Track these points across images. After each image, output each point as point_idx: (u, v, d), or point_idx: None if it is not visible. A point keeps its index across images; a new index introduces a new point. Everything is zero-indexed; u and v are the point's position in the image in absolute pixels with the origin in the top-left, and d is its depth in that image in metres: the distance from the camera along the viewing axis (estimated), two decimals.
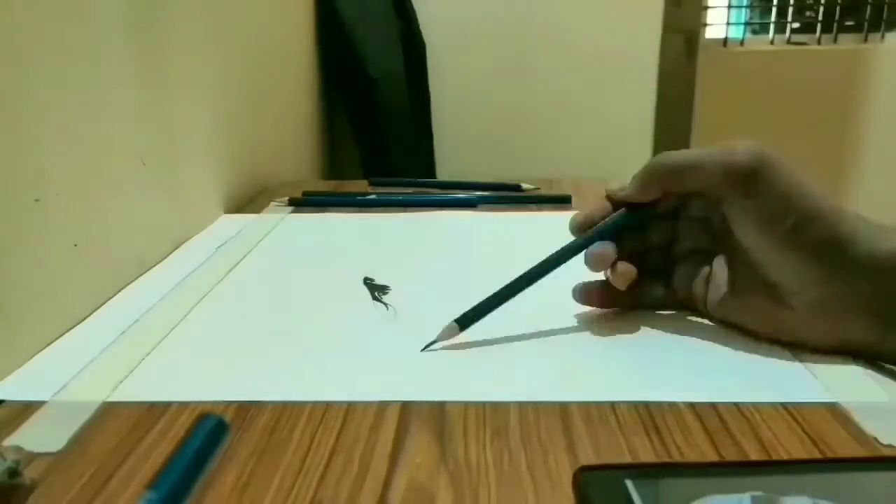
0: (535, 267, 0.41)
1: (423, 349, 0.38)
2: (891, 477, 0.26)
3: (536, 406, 0.33)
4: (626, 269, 0.40)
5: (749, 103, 1.85)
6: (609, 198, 0.41)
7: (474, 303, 0.40)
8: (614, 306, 0.43)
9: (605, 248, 0.40)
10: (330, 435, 0.31)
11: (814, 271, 0.35)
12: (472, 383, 0.35)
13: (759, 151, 0.36)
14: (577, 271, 0.42)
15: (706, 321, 0.42)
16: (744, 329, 0.39)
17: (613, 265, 0.40)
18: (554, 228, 0.50)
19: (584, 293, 0.43)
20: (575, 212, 0.42)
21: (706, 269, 0.41)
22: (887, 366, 0.36)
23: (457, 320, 0.39)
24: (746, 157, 0.36)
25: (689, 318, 0.43)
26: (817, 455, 0.29)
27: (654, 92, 1.72)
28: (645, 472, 0.26)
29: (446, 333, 0.39)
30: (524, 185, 0.79)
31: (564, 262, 0.41)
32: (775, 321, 0.37)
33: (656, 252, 0.42)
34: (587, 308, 0.44)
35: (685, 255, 0.42)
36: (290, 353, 0.39)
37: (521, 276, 0.41)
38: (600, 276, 0.42)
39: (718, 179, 0.37)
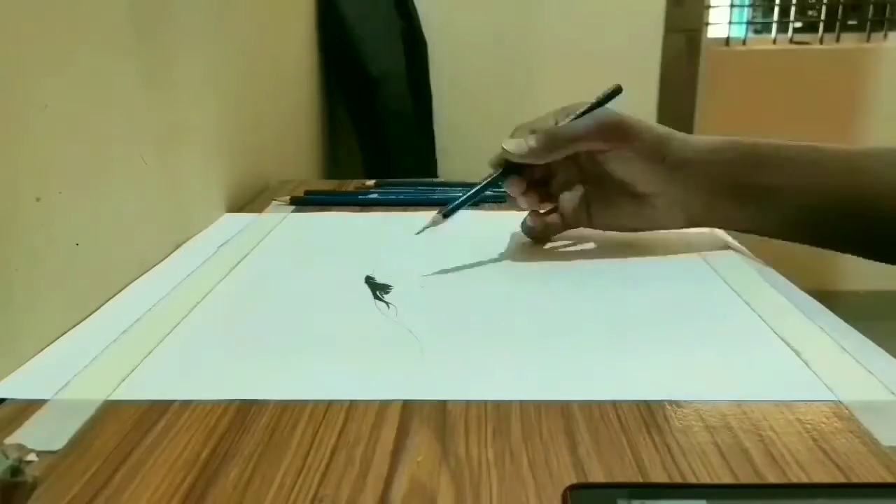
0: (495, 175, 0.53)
1: (417, 233, 0.51)
2: None
3: (538, 405, 0.32)
4: (521, 186, 0.53)
5: (751, 102, 1.85)
6: (507, 159, 0.52)
7: (474, 302, 0.40)
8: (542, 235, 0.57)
9: (518, 179, 0.54)
10: (331, 434, 0.31)
11: (665, 177, 0.51)
12: (474, 382, 0.35)
13: (611, 113, 0.52)
14: (578, 272, 0.41)
15: (707, 321, 0.42)
16: (621, 229, 0.55)
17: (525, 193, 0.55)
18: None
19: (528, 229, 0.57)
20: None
21: (580, 194, 0.55)
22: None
23: (441, 212, 0.52)
24: (612, 116, 0.51)
25: (691, 317, 0.43)
26: (820, 456, 0.29)
27: (656, 91, 1.72)
28: (638, 491, 0.26)
29: (432, 221, 0.52)
30: None
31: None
32: (645, 219, 0.54)
33: (539, 188, 0.56)
34: (588, 308, 0.44)
35: (560, 187, 0.55)
36: (292, 351, 0.39)
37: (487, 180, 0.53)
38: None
39: (600, 139, 0.51)
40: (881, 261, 0.50)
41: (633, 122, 0.51)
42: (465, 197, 0.53)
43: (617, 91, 0.55)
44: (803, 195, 0.49)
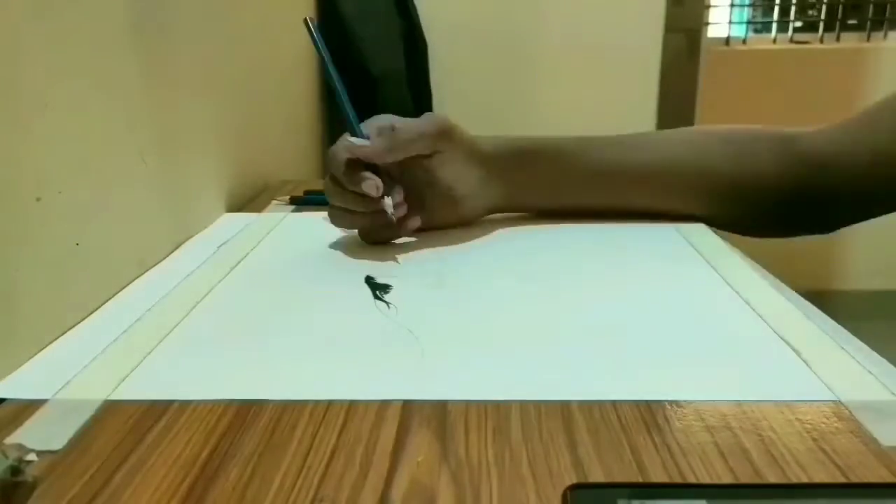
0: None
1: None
2: None
3: (538, 405, 0.32)
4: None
5: (751, 102, 1.85)
6: (351, 151, 0.53)
7: (475, 303, 0.40)
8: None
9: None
10: (331, 434, 0.31)
11: (476, 178, 0.58)
12: (474, 382, 0.35)
13: (443, 117, 0.55)
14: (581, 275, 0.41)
15: (707, 321, 0.42)
16: (431, 227, 0.58)
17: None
18: (554, 225, 0.60)
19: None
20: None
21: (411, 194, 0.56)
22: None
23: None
24: (444, 119, 0.55)
25: (691, 317, 0.43)
26: (820, 456, 0.29)
27: (657, 90, 1.72)
28: (638, 491, 0.26)
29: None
30: None
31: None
32: (454, 216, 0.59)
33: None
34: (588, 308, 0.44)
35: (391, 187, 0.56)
36: (292, 351, 0.39)
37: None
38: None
39: (434, 141, 0.54)
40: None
41: (456, 125, 0.56)
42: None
43: (305, 22, 0.58)
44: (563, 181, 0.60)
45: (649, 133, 0.64)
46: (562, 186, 0.60)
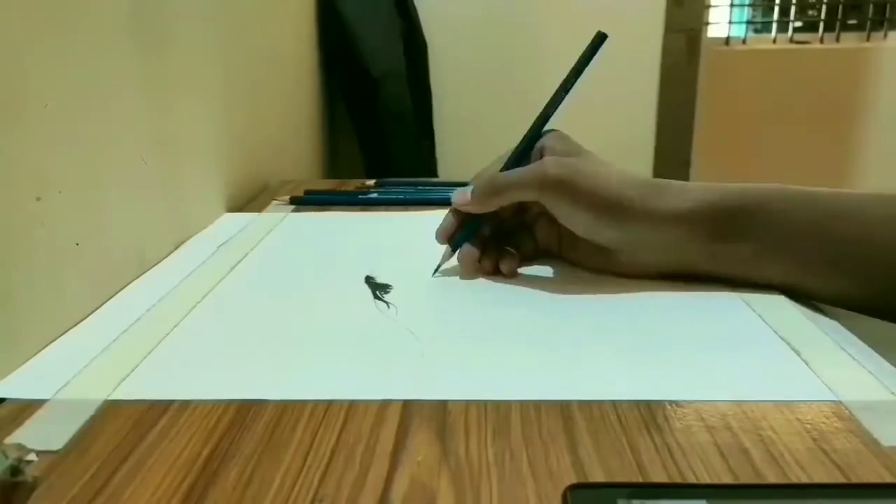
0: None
1: (435, 274, 0.50)
2: None
3: (538, 404, 0.32)
4: (474, 257, 0.50)
5: (751, 102, 1.85)
6: (457, 210, 0.50)
7: (474, 302, 0.40)
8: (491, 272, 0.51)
9: (469, 250, 0.50)
10: (331, 434, 0.31)
11: (627, 233, 0.46)
12: (474, 382, 0.35)
13: (565, 163, 0.47)
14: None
15: (707, 321, 0.42)
16: (588, 269, 0.50)
17: (480, 260, 0.50)
18: None
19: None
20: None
21: (556, 228, 0.51)
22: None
23: (449, 251, 0.50)
24: (561, 168, 0.46)
25: (691, 317, 0.43)
26: (820, 456, 0.29)
27: (657, 91, 1.72)
28: (637, 491, 0.25)
29: (444, 259, 0.50)
30: None
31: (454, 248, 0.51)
32: (608, 263, 0.49)
33: (513, 220, 0.53)
34: (588, 308, 0.44)
35: (535, 217, 0.52)
36: (292, 351, 0.39)
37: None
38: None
39: (540, 192, 0.47)
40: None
41: (582, 178, 0.46)
42: (464, 233, 0.51)
43: (602, 38, 0.53)
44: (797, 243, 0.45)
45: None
46: (777, 260, 0.45)
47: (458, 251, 0.50)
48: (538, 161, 0.48)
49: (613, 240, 0.47)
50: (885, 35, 1.92)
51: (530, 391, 0.34)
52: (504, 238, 0.52)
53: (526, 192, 0.47)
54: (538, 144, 0.51)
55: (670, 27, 1.68)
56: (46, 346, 0.40)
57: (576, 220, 0.47)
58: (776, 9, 2.00)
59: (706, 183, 0.47)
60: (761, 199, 0.45)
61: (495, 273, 0.50)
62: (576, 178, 0.46)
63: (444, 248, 0.51)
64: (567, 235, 0.50)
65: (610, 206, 0.46)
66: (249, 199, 0.77)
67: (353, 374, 0.36)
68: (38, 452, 0.28)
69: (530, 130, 0.51)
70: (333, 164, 1.43)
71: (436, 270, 0.50)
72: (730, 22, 1.93)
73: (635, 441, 0.30)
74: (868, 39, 1.93)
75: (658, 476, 0.27)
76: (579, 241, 0.49)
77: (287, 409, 0.32)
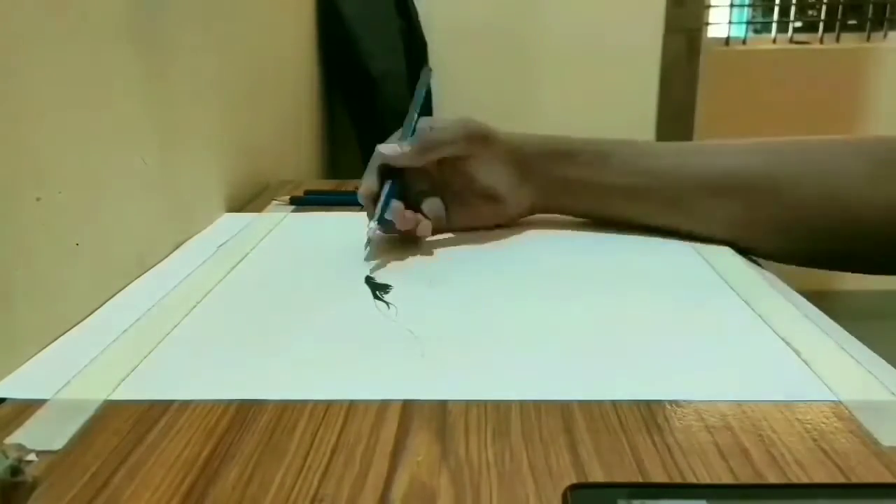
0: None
1: (367, 257, 0.52)
2: None
3: (538, 405, 0.32)
4: (402, 208, 0.53)
5: (751, 102, 1.85)
6: (386, 164, 0.54)
7: (474, 302, 0.41)
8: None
9: (398, 203, 0.53)
10: (331, 434, 0.31)
11: (514, 177, 0.57)
12: (474, 382, 0.35)
13: (477, 122, 0.56)
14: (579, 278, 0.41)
15: (707, 321, 0.42)
16: (476, 227, 0.59)
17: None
18: (554, 223, 0.61)
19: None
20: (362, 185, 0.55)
21: (439, 202, 0.56)
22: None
23: (375, 226, 0.52)
24: (476, 122, 0.56)
25: (691, 317, 0.43)
26: (820, 456, 0.29)
27: (657, 91, 1.72)
28: (637, 491, 0.25)
29: (369, 237, 0.52)
30: None
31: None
32: (496, 216, 0.59)
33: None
34: (588, 307, 0.44)
35: (416, 196, 0.56)
36: (292, 351, 0.39)
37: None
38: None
39: (466, 144, 0.55)
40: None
41: (491, 127, 0.56)
42: (381, 205, 0.53)
43: (428, 71, 0.64)
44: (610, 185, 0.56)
45: (720, 142, 0.56)
46: (602, 192, 0.57)
47: (388, 209, 0.52)
48: (455, 121, 0.56)
49: (514, 182, 0.57)
50: (885, 35, 1.92)
51: (530, 391, 0.34)
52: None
53: (453, 146, 0.55)
54: (423, 124, 0.56)
55: (670, 27, 1.68)
56: (46, 346, 0.40)
57: (494, 166, 0.56)
58: (776, 9, 2.00)
59: (554, 134, 0.58)
60: (579, 139, 0.57)
61: (416, 233, 0.54)
62: (488, 126, 0.56)
63: (369, 225, 0.52)
64: (454, 203, 0.57)
65: (509, 150, 0.56)
66: (249, 200, 0.77)
67: (353, 374, 0.36)
68: (38, 452, 0.29)
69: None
70: (333, 164, 1.43)
71: (367, 250, 0.53)
72: (730, 22, 1.93)
73: (635, 441, 0.30)
74: (868, 39, 1.93)
75: (658, 476, 0.27)
76: (468, 201, 0.57)
77: (287, 409, 0.32)
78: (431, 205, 0.55)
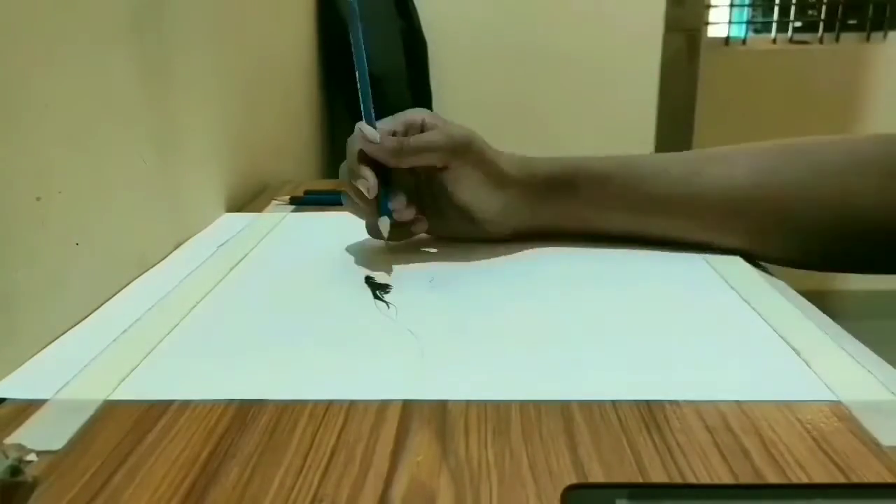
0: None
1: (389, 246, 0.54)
2: None
3: (538, 405, 0.32)
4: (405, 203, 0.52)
5: (751, 102, 1.85)
6: (367, 155, 0.51)
7: (474, 302, 0.41)
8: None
9: (399, 198, 0.52)
10: (331, 434, 0.31)
11: (498, 201, 0.54)
12: (474, 382, 0.35)
13: (464, 133, 0.51)
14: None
15: (707, 321, 0.42)
16: (450, 236, 0.56)
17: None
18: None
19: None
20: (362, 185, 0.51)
21: (401, 200, 0.53)
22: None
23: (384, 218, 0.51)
24: (459, 136, 0.51)
25: (691, 317, 0.43)
26: (820, 456, 0.29)
27: (656, 91, 1.72)
28: (637, 492, 0.25)
29: (385, 228, 0.51)
30: None
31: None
32: (471, 233, 0.55)
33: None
34: (588, 308, 0.44)
35: (387, 188, 0.53)
36: (292, 351, 0.39)
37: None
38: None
39: (446, 156, 0.51)
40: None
41: (486, 145, 0.52)
42: (384, 200, 0.52)
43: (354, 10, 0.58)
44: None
45: (713, 152, 0.54)
46: (597, 223, 0.54)
47: (390, 205, 0.51)
48: (442, 127, 0.52)
49: (497, 207, 0.53)
50: (885, 35, 1.92)
51: (530, 391, 0.34)
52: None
53: (432, 155, 0.51)
54: (416, 118, 0.53)
55: (670, 27, 1.68)
56: (46, 346, 0.40)
57: (471, 184, 0.52)
58: (776, 9, 2.00)
59: (545, 157, 0.55)
60: (579, 165, 0.53)
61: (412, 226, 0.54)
62: (478, 146, 0.52)
63: (382, 220, 0.51)
64: (431, 209, 0.54)
65: (493, 172, 0.53)
66: (249, 200, 0.77)
67: (353, 374, 0.36)
68: (38, 452, 0.29)
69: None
70: (333, 164, 1.43)
71: (387, 240, 0.52)
72: (730, 22, 1.93)
73: (635, 441, 0.30)
74: (868, 40, 1.93)
75: (658, 476, 0.27)
76: (445, 211, 0.54)
77: (287, 409, 0.32)
78: (396, 203, 0.52)
